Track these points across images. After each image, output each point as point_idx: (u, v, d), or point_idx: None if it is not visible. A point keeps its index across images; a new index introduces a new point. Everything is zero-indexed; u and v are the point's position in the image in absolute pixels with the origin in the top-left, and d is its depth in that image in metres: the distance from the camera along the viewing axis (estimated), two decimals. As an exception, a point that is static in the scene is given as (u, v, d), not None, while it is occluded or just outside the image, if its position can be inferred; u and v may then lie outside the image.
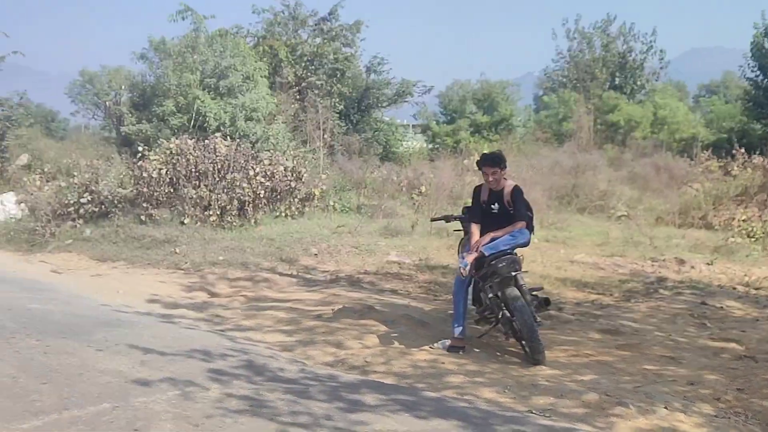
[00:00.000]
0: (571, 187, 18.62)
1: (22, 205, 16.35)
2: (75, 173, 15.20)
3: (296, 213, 14.91)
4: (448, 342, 6.84)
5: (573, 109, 30.31)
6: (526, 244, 6.92)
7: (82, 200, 14.00)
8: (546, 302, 6.88)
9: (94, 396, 5.10)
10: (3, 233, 14.32)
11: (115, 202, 14.07)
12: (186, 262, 11.23)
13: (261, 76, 21.94)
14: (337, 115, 26.64)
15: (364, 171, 19.44)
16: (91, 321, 7.53)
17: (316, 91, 26.06)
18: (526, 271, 7.65)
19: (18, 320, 7.41)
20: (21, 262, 11.83)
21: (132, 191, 14.32)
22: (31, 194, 15.74)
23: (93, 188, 14.21)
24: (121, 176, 15.32)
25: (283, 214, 14.66)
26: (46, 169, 18.91)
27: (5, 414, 4.73)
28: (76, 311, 8.06)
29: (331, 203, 15.91)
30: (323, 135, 22.10)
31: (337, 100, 27.20)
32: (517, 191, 6.84)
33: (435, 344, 6.89)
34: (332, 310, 8.25)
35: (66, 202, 14.16)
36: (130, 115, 22.25)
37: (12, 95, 23.83)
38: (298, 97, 25.51)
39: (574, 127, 28.68)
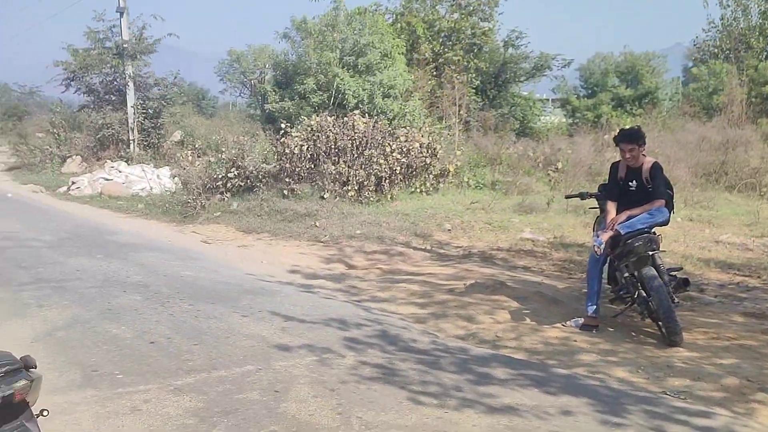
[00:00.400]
0: (720, 164, 17.64)
1: (176, 179, 17.48)
2: (223, 149, 16.03)
3: (431, 189, 15.08)
4: (581, 320, 6.77)
5: (724, 81, 28.56)
6: (664, 223, 6.70)
7: (229, 175, 14.77)
8: (685, 283, 6.64)
9: (239, 358, 5.49)
10: (159, 205, 15.38)
11: (260, 176, 14.74)
12: (325, 235, 11.64)
13: (398, 53, 22.16)
14: (473, 90, 26.50)
15: (500, 147, 19.28)
16: (237, 289, 8.02)
17: (453, 67, 26.00)
18: (665, 251, 7.43)
19: (172, 286, 8.02)
20: (175, 233, 12.66)
21: (275, 166, 14.95)
22: (184, 169, 16.75)
23: (239, 163, 14.93)
24: (265, 152, 16.02)
25: (418, 190, 14.87)
26: (197, 145, 20.05)
27: (162, 370, 5.19)
28: (224, 279, 8.60)
29: (466, 179, 15.95)
30: (459, 111, 22.10)
31: (474, 75, 27.03)
32: (656, 168, 6.61)
33: (567, 322, 6.84)
34: (464, 284, 8.33)
35: (215, 176, 14.99)
36: (274, 93, 23.09)
37: (167, 75, 25.34)
38: (434, 73, 25.57)
39: (725, 100, 27.04)
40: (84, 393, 4.71)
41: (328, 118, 15.23)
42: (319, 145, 14.58)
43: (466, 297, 7.79)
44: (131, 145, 23.21)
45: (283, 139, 15.04)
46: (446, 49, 26.78)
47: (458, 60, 26.50)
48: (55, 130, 25.67)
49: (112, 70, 24.31)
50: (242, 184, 14.81)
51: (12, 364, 2.40)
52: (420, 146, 15.10)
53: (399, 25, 25.86)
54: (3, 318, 6.51)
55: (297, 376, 5.10)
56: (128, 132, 23.30)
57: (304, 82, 21.23)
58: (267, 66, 26.19)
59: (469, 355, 5.77)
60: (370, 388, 4.91)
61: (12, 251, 10.09)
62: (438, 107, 23.27)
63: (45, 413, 2.55)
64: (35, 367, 2.47)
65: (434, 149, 15.44)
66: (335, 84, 20.37)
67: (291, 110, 21.17)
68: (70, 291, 7.66)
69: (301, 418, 4.36)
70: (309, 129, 14.99)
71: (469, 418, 4.41)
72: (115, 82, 24.49)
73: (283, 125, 15.71)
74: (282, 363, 5.39)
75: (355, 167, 14.15)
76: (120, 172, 19.50)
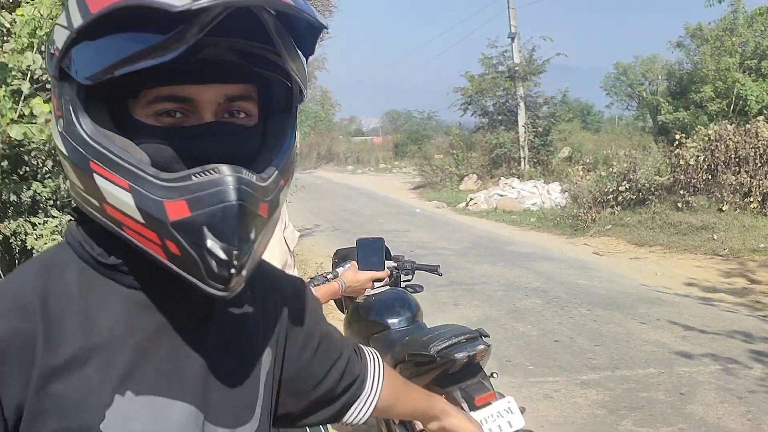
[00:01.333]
0: None
1: (566, 193, 17.95)
2: (614, 163, 16.07)
3: None
4: None
5: None
6: None
7: (620, 188, 14.77)
8: None
9: (641, 360, 5.67)
10: (550, 219, 15.98)
11: (652, 189, 14.49)
12: (724, 249, 11.08)
13: (811, 51, 20.00)
14: None
15: None
16: (631, 297, 8.13)
17: None
18: None
19: (569, 292, 8.43)
20: (566, 244, 13.09)
21: (668, 179, 14.58)
22: (574, 183, 17.15)
23: (630, 176, 14.84)
24: (658, 164, 15.67)
25: (838, 201, 13.30)
26: (586, 161, 20.33)
27: (567, 366, 5.61)
28: (618, 288, 8.75)
29: None
30: None
31: None
32: None
33: None
34: None
35: (605, 190, 15.10)
36: (667, 103, 22.40)
37: (556, 93, 26.06)
38: None
39: None
40: (501, 379, 5.29)
41: (728, 126, 14.40)
42: (717, 155, 13.86)
43: None
44: (522, 163, 24.25)
45: (677, 150, 14.60)
46: None
47: None
48: (453, 151, 27.90)
49: (504, 92, 25.68)
50: (633, 197, 14.70)
51: (471, 333, 2.99)
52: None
53: (810, 20, 23.27)
54: (428, 312, 7.49)
55: (702, 382, 5.11)
56: (519, 150, 24.40)
57: (701, 90, 20.27)
58: (660, 77, 25.45)
59: None
60: (783, 400, 4.74)
61: (426, 258, 11.34)
62: None
63: (495, 375, 3.09)
64: (488, 336, 3.02)
65: None
66: (735, 90, 19.12)
67: (686, 120, 20.37)
68: (479, 293, 8.51)
69: (709, 420, 4.40)
70: (706, 138, 14.35)
71: None
72: (507, 104, 25.83)
73: (677, 136, 15.24)
74: (685, 369, 5.44)
75: (758, 177, 13.18)
76: (513, 188, 20.61)
